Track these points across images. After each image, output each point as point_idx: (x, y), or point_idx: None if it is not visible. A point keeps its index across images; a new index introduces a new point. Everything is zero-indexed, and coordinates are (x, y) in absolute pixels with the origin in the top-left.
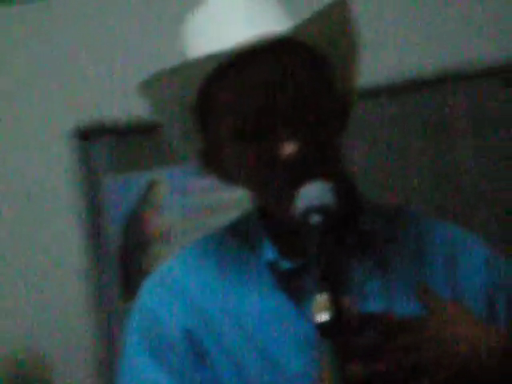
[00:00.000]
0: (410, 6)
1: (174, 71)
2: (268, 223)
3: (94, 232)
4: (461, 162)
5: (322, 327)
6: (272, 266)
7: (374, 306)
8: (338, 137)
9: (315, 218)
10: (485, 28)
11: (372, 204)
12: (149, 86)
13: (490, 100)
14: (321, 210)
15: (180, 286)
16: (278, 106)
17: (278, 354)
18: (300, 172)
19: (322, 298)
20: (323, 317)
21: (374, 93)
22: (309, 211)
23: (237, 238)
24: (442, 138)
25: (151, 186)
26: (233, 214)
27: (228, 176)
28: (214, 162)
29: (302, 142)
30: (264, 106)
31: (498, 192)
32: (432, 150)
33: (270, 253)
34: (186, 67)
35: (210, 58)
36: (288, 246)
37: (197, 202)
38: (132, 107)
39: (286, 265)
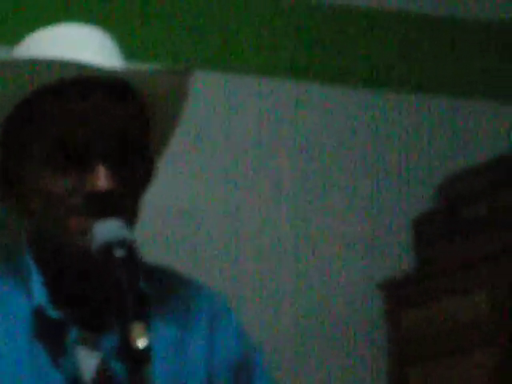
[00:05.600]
0: None
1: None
2: (43, 264)
3: None
4: None
5: (141, 353)
6: (38, 313)
7: None
8: (142, 188)
9: (120, 252)
10: None
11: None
12: None
13: None
14: (125, 243)
15: None
16: (102, 140)
17: None
18: (107, 207)
19: (138, 326)
20: (142, 342)
21: None
22: (112, 244)
23: (11, 274)
24: None
25: None
26: None
27: (24, 207)
28: (12, 191)
29: (116, 181)
30: (90, 136)
31: None
32: None
33: (39, 297)
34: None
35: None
36: (60, 292)
37: None
38: None
39: (53, 313)
